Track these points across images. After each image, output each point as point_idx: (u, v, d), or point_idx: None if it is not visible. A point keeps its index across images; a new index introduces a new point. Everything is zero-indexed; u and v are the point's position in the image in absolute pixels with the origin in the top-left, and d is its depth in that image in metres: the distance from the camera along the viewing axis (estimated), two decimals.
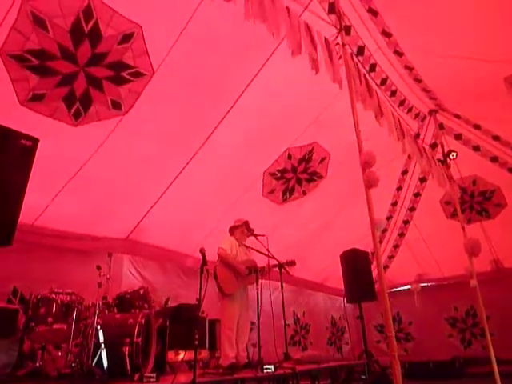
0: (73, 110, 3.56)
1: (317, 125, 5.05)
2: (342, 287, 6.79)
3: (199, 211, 5.27)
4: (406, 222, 7.69)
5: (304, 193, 6.14)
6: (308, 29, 3.05)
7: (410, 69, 4.71)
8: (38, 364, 3.24)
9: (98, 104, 3.61)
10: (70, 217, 4.41)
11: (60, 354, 3.41)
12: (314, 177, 6.01)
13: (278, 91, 4.41)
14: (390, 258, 8.25)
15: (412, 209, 7.46)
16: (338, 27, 3.46)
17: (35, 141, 2.59)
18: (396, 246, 8.11)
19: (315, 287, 8.58)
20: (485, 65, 4.07)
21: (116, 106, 3.69)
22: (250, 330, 4.49)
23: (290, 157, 5.47)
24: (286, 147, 5.32)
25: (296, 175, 5.83)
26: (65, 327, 3.32)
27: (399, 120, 4.03)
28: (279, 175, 5.66)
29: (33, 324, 3.29)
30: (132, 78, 3.56)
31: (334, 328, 9.07)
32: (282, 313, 4.70)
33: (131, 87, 3.62)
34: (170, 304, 5.11)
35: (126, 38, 3.27)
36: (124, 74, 3.50)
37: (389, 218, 7.63)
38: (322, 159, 5.78)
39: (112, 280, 4.64)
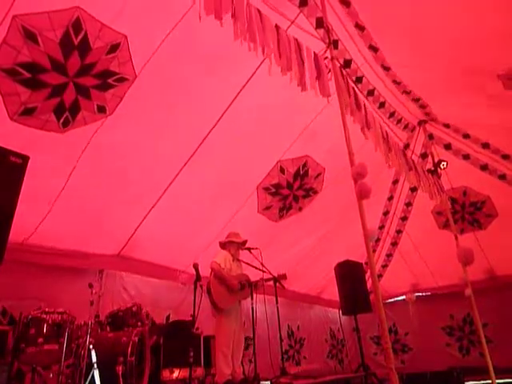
0: (62, 120, 3.57)
1: (307, 137, 5.05)
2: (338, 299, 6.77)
3: (192, 226, 5.21)
4: (399, 232, 7.71)
5: (300, 209, 6.13)
6: (297, 45, 3.08)
7: (397, 83, 4.78)
8: None
9: (85, 110, 3.63)
10: (60, 233, 4.34)
11: (51, 375, 3.31)
12: (309, 192, 6.00)
13: (265, 102, 4.40)
14: (384, 266, 8.25)
15: (404, 218, 7.49)
16: (327, 41, 3.51)
17: (25, 158, 2.56)
18: (389, 255, 8.11)
19: (311, 300, 8.52)
20: (472, 72, 4.13)
21: (101, 110, 3.71)
22: (247, 347, 4.42)
23: (282, 170, 5.45)
24: (277, 159, 5.30)
25: (292, 192, 5.81)
26: (56, 348, 3.22)
27: (387, 133, 4.07)
28: (274, 190, 5.62)
29: (23, 345, 3.19)
30: (116, 84, 3.60)
31: (334, 340, 8.96)
32: (278, 327, 4.65)
33: (115, 92, 3.65)
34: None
35: (114, 48, 3.32)
36: (110, 80, 3.54)
37: (381, 228, 7.64)
38: (318, 175, 5.79)
39: (104, 297, 4.59)
